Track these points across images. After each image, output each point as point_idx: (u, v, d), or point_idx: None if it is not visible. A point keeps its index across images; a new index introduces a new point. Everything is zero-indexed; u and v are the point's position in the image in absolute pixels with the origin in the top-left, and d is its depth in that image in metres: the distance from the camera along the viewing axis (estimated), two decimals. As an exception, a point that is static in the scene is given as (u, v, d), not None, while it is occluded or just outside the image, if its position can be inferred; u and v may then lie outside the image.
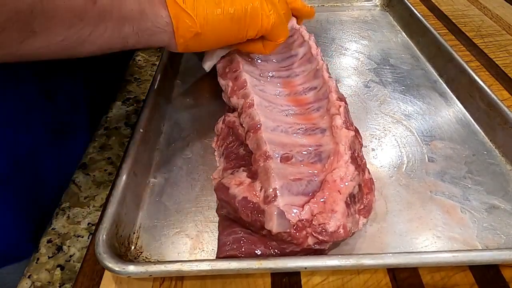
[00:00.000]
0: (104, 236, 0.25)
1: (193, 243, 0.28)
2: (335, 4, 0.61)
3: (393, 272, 0.26)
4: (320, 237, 0.23)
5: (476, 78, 0.38)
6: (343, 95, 0.32)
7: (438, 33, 0.46)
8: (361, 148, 0.30)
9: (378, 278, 0.26)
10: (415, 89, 0.42)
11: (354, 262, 0.24)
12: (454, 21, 0.57)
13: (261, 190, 0.25)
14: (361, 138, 0.31)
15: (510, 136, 0.34)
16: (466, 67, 0.40)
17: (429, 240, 0.28)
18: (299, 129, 0.30)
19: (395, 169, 0.33)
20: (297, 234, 0.23)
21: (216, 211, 0.29)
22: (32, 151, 0.33)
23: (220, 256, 0.25)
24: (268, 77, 0.36)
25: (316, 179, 0.26)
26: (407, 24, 0.53)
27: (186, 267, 0.24)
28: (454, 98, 0.41)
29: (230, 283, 0.25)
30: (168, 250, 0.27)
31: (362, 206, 0.27)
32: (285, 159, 0.27)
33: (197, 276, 0.26)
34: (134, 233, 0.28)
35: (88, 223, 0.31)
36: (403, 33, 0.53)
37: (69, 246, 0.30)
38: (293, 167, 0.27)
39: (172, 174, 0.33)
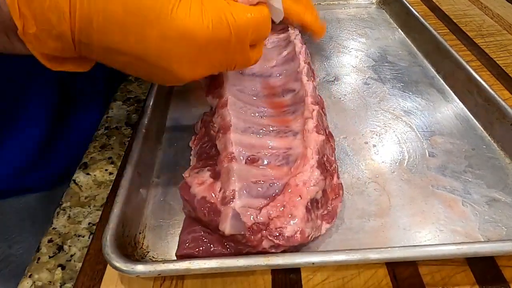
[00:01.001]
0: (111, 236, 0.25)
1: (199, 242, 0.28)
2: (332, 2, 0.61)
3: (394, 271, 0.26)
4: (276, 241, 0.23)
5: (473, 73, 0.39)
6: (321, 98, 0.33)
7: (434, 29, 0.47)
8: (332, 152, 0.30)
9: (379, 278, 0.26)
10: (414, 86, 0.43)
11: (360, 257, 0.24)
12: (455, 21, 0.57)
13: (220, 190, 0.25)
14: (334, 142, 0.32)
15: (508, 130, 0.34)
16: (463, 62, 0.41)
17: (432, 234, 0.28)
18: (271, 131, 0.30)
19: (397, 164, 0.34)
20: (252, 237, 0.23)
21: (182, 209, 0.29)
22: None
23: (177, 255, 0.26)
24: (250, 75, 0.36)
25: (279, 182, 0.26)
26: (403, 21, 0.53)
27: (194, 265, 0.24)
28: (452, 93, 0.42)
29: (231, 283, 0.26)
30: (175, 249, 0.27)
31: (325, 212, 0.27)
32: (251, 161, 0.27)
33: (198, 276, 0.26)
34: (140, 233, 0.29)
35: (89, 223, 0.31)
36: (400, 30, 0.53)
37: (70, 246, 0.30)
38: (258, 169, 0.27)
39: (176, 174, 0.33)
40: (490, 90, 0.37)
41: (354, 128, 0.38)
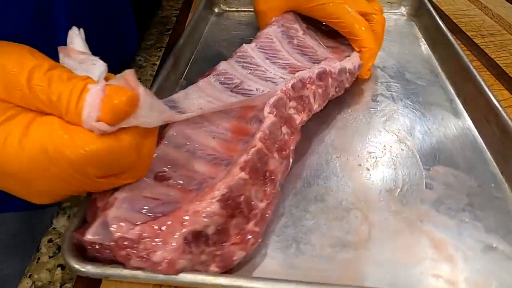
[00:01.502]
0: (72, 232, 0.25)
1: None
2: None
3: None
4: (141, 264, 0.22)
5: (495, 101, 0.35)
6: (294, 135, 0.31)
7: (461, 49, 0.43)
8: (266, 200, 0.27)
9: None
10: (428, 107, 0.39)
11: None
12: (455, 21, 0.57)
13: (111, 195, 0.24)
14: (273, 188, 0.28)
15: (522, 169, 0.30)
16: (485, 88, 0.37)
17: (410, 276, 0.26)
18: (209, 155, 0.28)
19: (387, 192, 0.31)
20: (118, 251, 0.22)
21: None
22: None
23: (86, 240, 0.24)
24: (235, 92, 0.35)
25: (173, 205, 0.24)
26: (431, 36, 0.49)
27: (142, 275, 0.23)
28: (469, 120, 0.38)
29: None
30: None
31: (218, 252, 0.24)
32: (160, 178, 0.26)
33: None
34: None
35: (89, 223, 0.31)
36: (427, 46, 0.49)
37: None
38: (164, 187, 0.25)
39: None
40: (509, 121, 0.33)
41: (350, 148, 0.35)
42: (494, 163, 0.33)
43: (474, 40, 0.52)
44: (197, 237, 0.23)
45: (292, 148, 0.31)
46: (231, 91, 0.35)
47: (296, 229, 0.28)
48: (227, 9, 0.58)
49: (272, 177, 0.28)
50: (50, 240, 0.30)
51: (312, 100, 0.34)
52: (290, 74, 0.37)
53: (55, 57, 0.23)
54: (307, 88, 0.34)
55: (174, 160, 0.28)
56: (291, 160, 0.31)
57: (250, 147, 0.27)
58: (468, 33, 0.53)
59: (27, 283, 0.27)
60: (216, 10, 0.58)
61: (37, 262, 0.28)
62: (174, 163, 0.28)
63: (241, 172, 0.25)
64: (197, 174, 0.27)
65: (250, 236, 0.25)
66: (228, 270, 0.25)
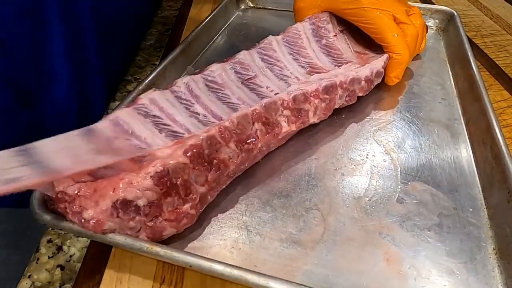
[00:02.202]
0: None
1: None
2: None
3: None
4: (73, 218, 0.23)
5: (494, 123, 0.33)
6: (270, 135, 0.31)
7: (478, 69, 0.40)
8: (206, 183, 0.27)
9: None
10: (426, 123, 0.38)
11: (237, 275, 0.22)
12: None
13: None
14: (218, 177, 0.28)
15: (503, 198, 0.28)
16: (489, 109, 0.34)
17: (350, 283, 0.25)
18: (173, 131, 0.29)
19: (354, 200, 0.30)
20: (59, 203, 0.24)
21: None
22: None
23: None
24: (245, 85, 0.35)
25: (116, 171, 0.24)
26: (453, 53, 0.47)
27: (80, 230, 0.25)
28: (466, 142, 0.35)
29: (231, 283, 0.25)
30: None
31: (149, 224, 0.25)
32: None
33: (198, 277, 0.26)
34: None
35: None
36: (447, 62, 0.47)
37: (69, 246, 0.31)
38: (120, 143, 0.26)
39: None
40: (503, 148, 0.30)
41: (332, 152, 0.35)
42: (480, 188, 0.31)
43: (474, 40, 0.52)
44: (126, 206, 0.24)
45: (259, 145, 0.30)
46: (241, 83, 0.35)
47: (252, 219, 0.29)
48: (253, 6, 0.59)
49: (220, 166, 0.28)
50: (49, 241, 0.31)
51: (311, 114, 0.34)
52: (307, 75, 0.37)
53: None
54: (309, 102, 0.33)
55: (130, 128, 0.28)
56: (256, 157, 0.31)
57: (203, 131, 0.28)
58: (468, 33, 0.52)
59: (26, 283, 0.28)
60: (242, 6, 0.59)
61: (36, 263, 0.29)
62: (128, 130, 0.28)
63: (183, 155, 0.26)
64: (148, 147, 0.27)
65: (184, 217, 0.26)
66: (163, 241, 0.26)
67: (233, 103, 0.33)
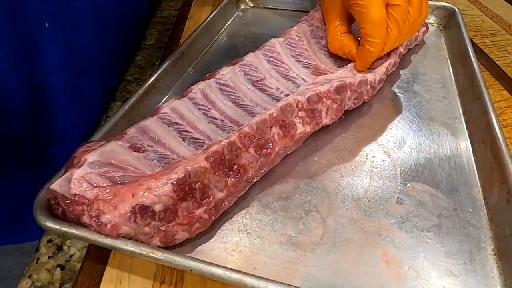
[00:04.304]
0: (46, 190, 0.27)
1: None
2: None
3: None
4: (91, 221, 0.23)
5: (495, 123, 0.32)
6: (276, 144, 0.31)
7: (479, 67, 0.40)
8: (224, 188, 0.27)
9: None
10: (427, 122, 0.37)
11: (236, 278, 0.23)
12: None
13: (85, 155, 0.26)
14: (237, 182, 0.28)
15: (503, 199, 0.28)
16: (490, 108, 0.34)
17: (349, 285, 0.25)
18: (195, 138, 0.29)
19: (354, 201, 0.30)
20: (75, 205, 0.24)
21: None
22: None
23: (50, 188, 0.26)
24: (255, 86, 0.36)
25: (135, 177, 0.25)
26: (454, 51, 0.46)
27: (89, 236, 0.25)
28: (467, 141, 0.35)
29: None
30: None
31: (163, 228, 0.25)
32: (135, 148, 0.27)
33: (198, 277, 0.26)
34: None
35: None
36: (448, 59, 0.46)
37: (69, 246, 0.31)
38: (134, 159, 0.26)
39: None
40: (503, 147, 0.30)
41: (331, 152, 0.35)
42: (480, 188, 0.31)
43: (474, 40, 0.52)
44: (144, 211, 0.24)
45: (277, 149, 0.31)
46: (252, 84, 0.36)
47: (252, 222, 0.29)
48: (253, 5, 0.59)
49: (240, 171, 0.29)
50: (49, 241, 0.31)
51: (323, 115, 0.34)
52: (312, 76, 0.38)
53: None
54: (322, 103, 0.34)
55: (156, 136, 0.30)
56: (275, 160, 0.32)
57: (225, 137, 0.28)
58: (468, 33, 0.50)
59: (27, 283, 0.28)
60: (242, 6, 0.59)
61: (36, 263, 0.30)
62: (154, 138, 0.29)
63: (205, 161, 0.27)
64: (172, 155, 0.29)
65: (197, 221, 0.26)
66: (171, 246, 0.26)
67: (247, 105, 0.34)
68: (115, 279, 0.26)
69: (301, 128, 0.33)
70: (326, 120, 0.34)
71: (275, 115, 0.31)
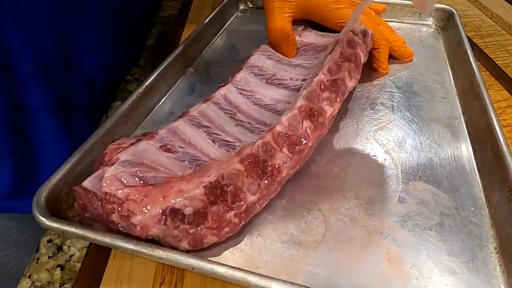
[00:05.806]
0: (48, 189, 0.27)
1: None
2: (389, 19, 0.56)
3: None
4: (121, 221, 0.23)
5: (495, 122, 0.33)
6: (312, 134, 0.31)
7: (478, 68, 0.40)
8: (257, 191, 0.27)
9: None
10: (427, 122, 0.38)
11: (239, 277, 0.22)
12: None
13: (116, 154, 0.26)
14: (270, 184, 0.28)
15: (504, 197, 0.28)
16: (490, 108, 0.34)
17: (352, 283, 0.25)
18: (224, 141, 0.29)
19: (355, 200, 0.30)
20: (106, 204, 0.23)
21: None
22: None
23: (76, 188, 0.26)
24: (270, 83, 0.37)
25: (166, 178, 0.25)
26: (453, 52, 0.47)
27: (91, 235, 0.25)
28: (467, 140, 0.35)
29: (231, 283, 0.25)
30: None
31: (191, 231, 0.25)
32: (166, 149, 0.27)
33: (197, 277, 0.26)
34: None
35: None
36: (447, 60, 0.47)
37: (69, 246, 0.31)
38: (165, 159, 0.26)
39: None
40: (504, 147, 0.30)
41: (332, 152, 0.35)
42: (481, 187, 0.31)
43: (474, 40, 0.52)
44: (174, 213, 0.24)
45: (310, 144, 0.31)
46: (266, 82, 0.37)
47: (254, 221, 0.29)
48: (252, 6, 0.59)
49: (274, 172, 0.28)
50: (49, 241, 0.31)
51: (347, 80, 0.34)
52: (313, 57, 0.39)
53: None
54: (341, 69, 0.34)
55: (187, 137, 0.29)
56: (308, 156, 0.31)
57: (259, 138, 0.28)
58: (468, 33, 0.51)
59: (26, 283, 0.28)
60: (242, 6, 0.59)
61: (36, 263, 0.29)
62: (185, 139, 0.29)
63: (239, 163, 0.26)
64: (203, 156, 0.29)
65: (226, 225, 0.26)
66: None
67: (269, 105, 0.35)
68: (115, 279, 0.26)
69: (330, 110, 0.33)
70: (351, 84, 0.35)
71: (303, 107, 0.31)
